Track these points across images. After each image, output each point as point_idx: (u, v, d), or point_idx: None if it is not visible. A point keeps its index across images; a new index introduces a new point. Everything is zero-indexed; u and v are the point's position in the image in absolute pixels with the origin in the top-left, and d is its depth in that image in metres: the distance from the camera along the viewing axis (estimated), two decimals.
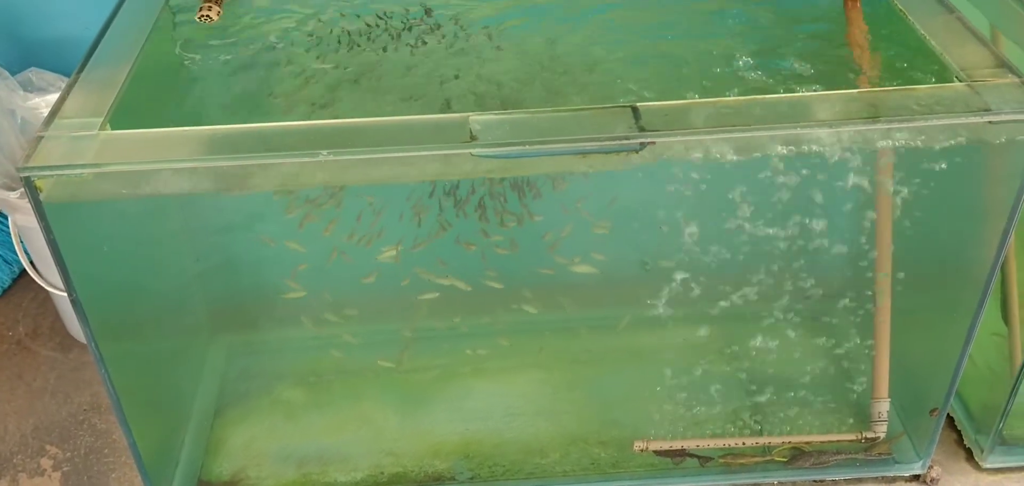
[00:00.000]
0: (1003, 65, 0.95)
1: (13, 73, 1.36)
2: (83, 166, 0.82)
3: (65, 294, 1.33)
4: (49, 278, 1.35)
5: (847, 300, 1.17)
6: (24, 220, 1.28)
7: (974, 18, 1.05)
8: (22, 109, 1.33)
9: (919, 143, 0.90)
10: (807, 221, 1.10)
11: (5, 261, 1.55)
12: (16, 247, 1.33)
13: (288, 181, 0.87)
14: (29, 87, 1.36)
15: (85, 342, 1.43)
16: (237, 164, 0.84)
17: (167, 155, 0.84)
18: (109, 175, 0.83)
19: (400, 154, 0.85)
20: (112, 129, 0.87)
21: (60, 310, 1.46)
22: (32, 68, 1.38)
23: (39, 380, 1.38)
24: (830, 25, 1.16)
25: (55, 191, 0.84)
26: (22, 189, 1.27)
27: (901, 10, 1.07)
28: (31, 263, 1.35)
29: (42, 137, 0.85)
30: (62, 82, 1.37)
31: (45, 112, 1.33)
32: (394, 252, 1.19)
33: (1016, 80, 0.92)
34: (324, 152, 0.84)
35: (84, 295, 0.92)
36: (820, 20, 1.18)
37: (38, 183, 0.83)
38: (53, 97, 1.35)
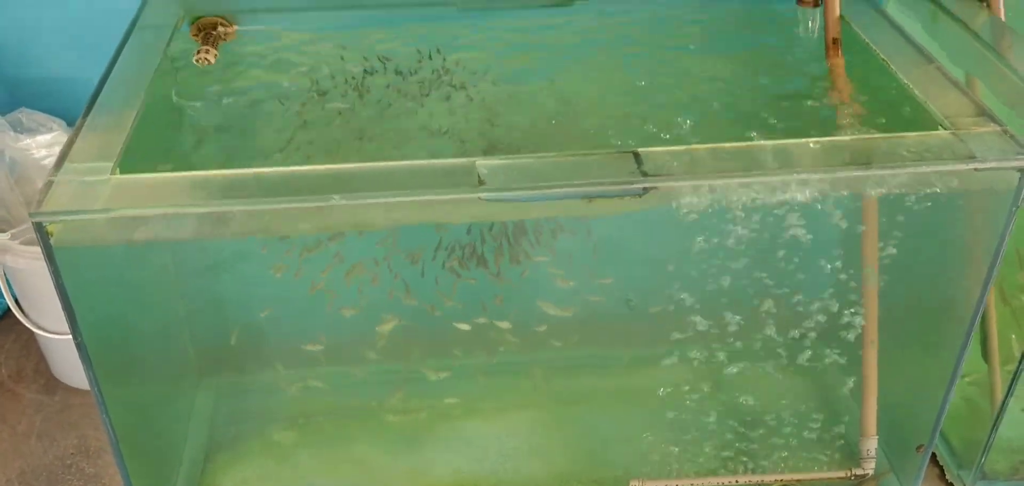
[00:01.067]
0: (984, 114, 0.99)
1: (2, 114, 1.35)
2: (97, 211, 0.82)
3: (50, 335, 1.33)
4: (34, 318, 1.33)
5: (835, 340, 1.20)
6: (13, 261, 1.26)
7: (950, 68, 1.10)
8: (12, 150, 1.32)
9: (906, 189, 0.94)
10: (795, 262, 1.13)
11: None
12: (1, 287, 1.31)
13: (300, 224, 0.88)
14: (19, 128, 1.35)
15: (70, 384, 1.42)
16: (252, 209, 0.85)
17: (180, 199, 0.85)
18: (121, 220, 0.83)
19: (411, 199, 0.87)
20: (123, 173, 0.88)
21: (44, 351, 1.44)
22: (22, 108, 1.37)
23: (24, 423, 1.36)
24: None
25: (65, 236, 0.84)
26: (13, 230, 1.26)
27: (883, 60, 1.12)
28: (16, 302, 1.33)
29: (53, 182, 0.85)
30: (52, 123, 1.36)
31: (35, 153, 1.33)
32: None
33: (998, 129, 0.97)
34: (336, 196, 0.85)
35: (88, 339, 0.92)
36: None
37: (49, 228, 0.83)
38: (43, 138, 1.35)
